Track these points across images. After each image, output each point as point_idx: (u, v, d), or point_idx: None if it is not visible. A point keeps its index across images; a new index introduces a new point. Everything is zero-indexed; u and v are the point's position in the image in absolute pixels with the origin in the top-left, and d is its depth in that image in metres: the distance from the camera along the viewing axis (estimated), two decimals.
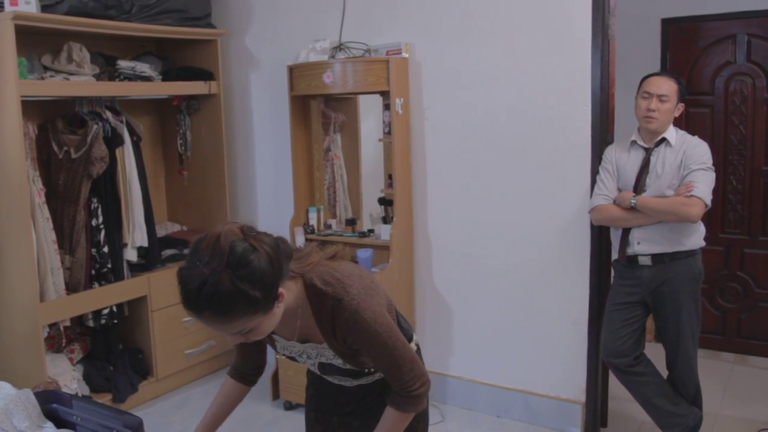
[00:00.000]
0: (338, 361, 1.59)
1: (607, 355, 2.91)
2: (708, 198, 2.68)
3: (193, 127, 4.14)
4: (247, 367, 1.76)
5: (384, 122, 3.49)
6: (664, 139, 2.81)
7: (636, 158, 2.85)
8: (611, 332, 2.90)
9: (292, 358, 1.68)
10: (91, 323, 3.54)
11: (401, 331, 1.70)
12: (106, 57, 3.65)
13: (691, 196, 2.65)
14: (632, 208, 2.78)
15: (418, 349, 1.78)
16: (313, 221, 3.72)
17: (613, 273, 3.06)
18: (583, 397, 3.21)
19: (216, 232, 1.32)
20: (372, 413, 1.65)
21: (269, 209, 4.16)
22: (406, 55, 3.43)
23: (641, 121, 2.83)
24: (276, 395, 3.64)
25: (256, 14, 4.03)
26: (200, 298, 1.27)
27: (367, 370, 1.63)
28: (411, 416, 1.58)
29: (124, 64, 3.61)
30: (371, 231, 3.63)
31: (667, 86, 2.76)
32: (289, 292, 1.46)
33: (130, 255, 3.61)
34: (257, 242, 1.33)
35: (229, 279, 1.26)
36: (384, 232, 3.48)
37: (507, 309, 3.36)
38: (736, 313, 4.17)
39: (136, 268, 3.70)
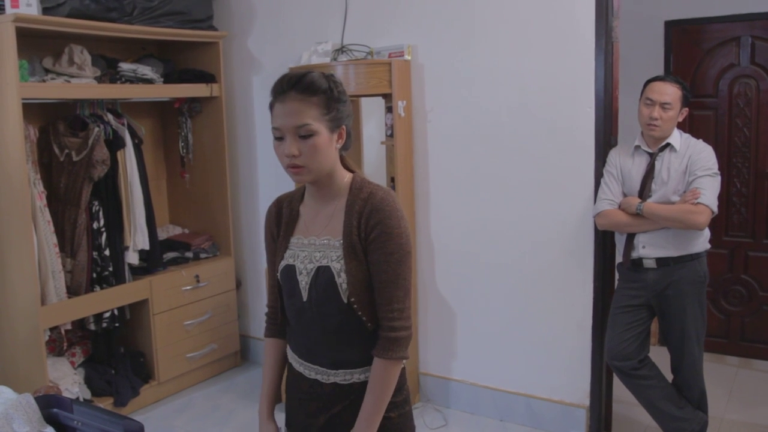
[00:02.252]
0: (336, 266, 1.55)
1: (612, 358, 2.89)
2: (714, 205, 2.66)
3: (194, 129, 4.13)
4: (281, 310, 1.71)
5: (386, 125, 3.47)
6: (668, 144, 2.79)
7: (640, 163, 2.84)
8: (615, 335, 2.89)
9: (291, 272, 1.62)
10: (92, 327, 3.54)
11: None
12: (108, 59, 3.65)
13: (698, 203, 2.63)
14: (638, 214, 2.76)
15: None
16: None
17: (617, 276, 3.04)
18: (587, 401, 3.19)
19: None
20: (341, 429, 1.61)
21: None
22: (409, 58, 3.42)
23: (644, 128, 2.81)
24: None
25: (258, 16, 4.03)
26: (292, 78, 1.52)
27: (352, 299, 1.55)
28: (397, 369, 1.59)
29: (125, 66, 3.61)
30: None
31: (670, 93, 2.74)
32: (340, 174, 1.62)
33: (132, 258, 3.60)
34: None
35: (322, 74, 1.56)
36: None
37: (510, 312, 3.34)
38: (740, 316, 4.15)
39: (138, 271, 3.69)
